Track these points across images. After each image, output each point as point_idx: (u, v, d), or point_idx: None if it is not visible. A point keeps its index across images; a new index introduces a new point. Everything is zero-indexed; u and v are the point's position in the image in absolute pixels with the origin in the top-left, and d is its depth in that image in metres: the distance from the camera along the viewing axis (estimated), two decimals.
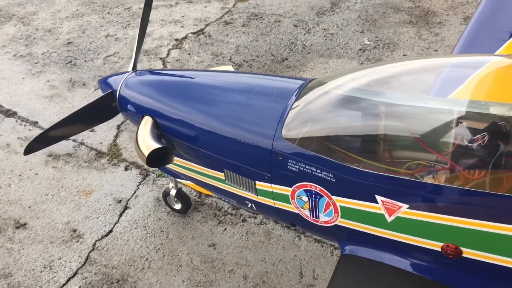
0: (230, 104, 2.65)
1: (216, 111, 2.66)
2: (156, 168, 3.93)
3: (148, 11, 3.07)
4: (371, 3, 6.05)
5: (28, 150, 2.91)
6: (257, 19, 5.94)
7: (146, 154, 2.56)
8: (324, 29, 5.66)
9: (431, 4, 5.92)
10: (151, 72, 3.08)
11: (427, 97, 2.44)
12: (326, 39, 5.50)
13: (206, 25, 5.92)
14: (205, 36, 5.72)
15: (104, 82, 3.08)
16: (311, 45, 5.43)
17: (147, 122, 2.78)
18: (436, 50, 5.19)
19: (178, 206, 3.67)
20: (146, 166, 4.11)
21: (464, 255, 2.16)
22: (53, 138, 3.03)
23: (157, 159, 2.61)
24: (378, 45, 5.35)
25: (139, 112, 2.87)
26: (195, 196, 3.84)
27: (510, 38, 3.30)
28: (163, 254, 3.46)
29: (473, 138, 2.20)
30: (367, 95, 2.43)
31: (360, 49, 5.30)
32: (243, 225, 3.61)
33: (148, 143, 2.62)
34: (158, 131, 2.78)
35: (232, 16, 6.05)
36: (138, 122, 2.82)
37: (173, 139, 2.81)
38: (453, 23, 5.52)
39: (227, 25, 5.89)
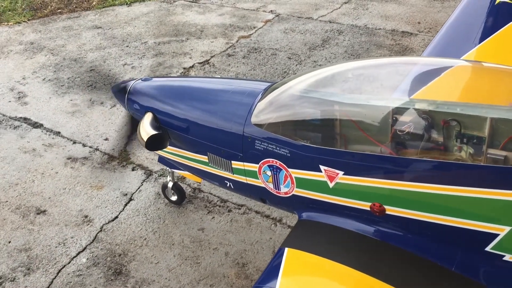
0: (213, 100, 3.35)
1: (202, 106, 3.35)
2: (160, 166, 4.58)
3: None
4: (357, 40, 6.82)
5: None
6: (256, 52, 6.74)
7: (145, 139, 3.28)
8: (314, 61, 6.42)
9: (410, 42, 6.67)
10: (153, 78, 3.80)
11: (367, 96, 3.09)
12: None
13: (211, 57, 6.73)
14: (210, 65, 6.51)
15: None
16: None
17: (148, 116, 3.48)
18: None
19: (174, 197, 4.31)
20: (150, 167, 4.79)
21: (387, 212, 2.75)
22: None
23: (154, 143, 3.33)
24: None
25: (142, 109, 3.58)
26: (189, 192, 4.47)
27: (476, 44, 3.95)
28: (159, 235, 4.07)
29: (402, 127, 2.84)
30: (313, 93, 3.08)
31: None
32: (229, 214, 4.22)
33: (148, 131, 3.33)
34: (157, 124, 3.48)
35: (235, 49, 6.86)
36: (141, 117, 3.53)
37: (169, 130, 3.49)
38: None
39: (229, 57, 6.69)
